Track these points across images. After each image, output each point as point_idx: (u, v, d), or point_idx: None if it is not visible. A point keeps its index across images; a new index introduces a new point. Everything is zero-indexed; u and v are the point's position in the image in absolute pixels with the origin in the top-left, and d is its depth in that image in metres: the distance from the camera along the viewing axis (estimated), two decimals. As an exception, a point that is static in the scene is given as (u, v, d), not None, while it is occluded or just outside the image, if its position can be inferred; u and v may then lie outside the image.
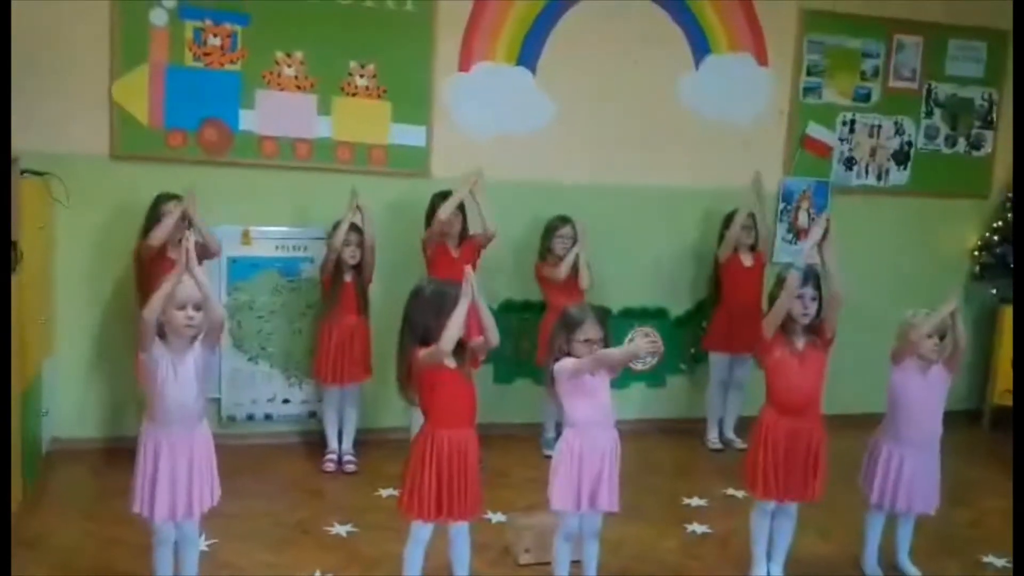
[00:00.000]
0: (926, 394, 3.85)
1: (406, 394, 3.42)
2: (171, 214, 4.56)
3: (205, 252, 4.69)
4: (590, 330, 3.45)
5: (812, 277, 3.67)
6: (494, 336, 3.36)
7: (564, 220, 5.29)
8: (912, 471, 3.86)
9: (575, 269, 5.20)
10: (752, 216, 5.53)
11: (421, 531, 3.45)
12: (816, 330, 3.70)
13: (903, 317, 3.92)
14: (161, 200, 4.66)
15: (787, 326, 3.68)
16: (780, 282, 3.72)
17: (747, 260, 5.55)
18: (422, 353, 3.25)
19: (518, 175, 5.46)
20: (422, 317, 3.30)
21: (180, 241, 4.43)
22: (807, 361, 3.67)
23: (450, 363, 3.30)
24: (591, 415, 3.48)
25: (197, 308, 3.18)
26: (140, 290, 4.59)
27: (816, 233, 3.68)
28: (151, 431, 3.26)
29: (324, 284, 4.98)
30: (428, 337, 3.25)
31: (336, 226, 4.87)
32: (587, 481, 3.45)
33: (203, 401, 3.35)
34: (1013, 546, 3.73)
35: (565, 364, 3.44)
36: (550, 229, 5.30)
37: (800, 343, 3.68)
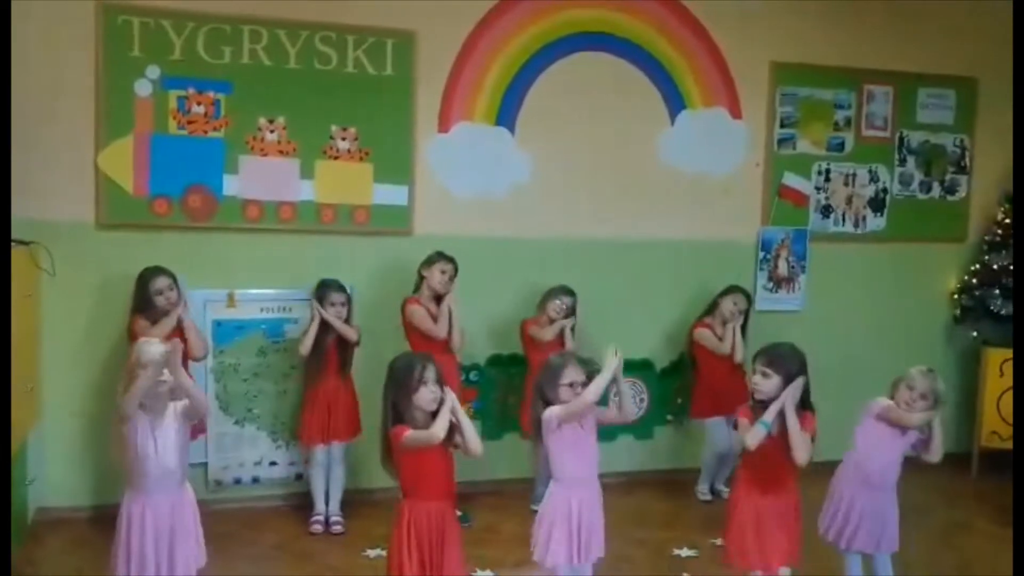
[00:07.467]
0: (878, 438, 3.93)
1: (388, 468, 3.40)
2: (170, 315, 4.62)
3: (186, 356, 4.70)
4: (572, 373, 3.47)
5: (762, 355, 3.63)
6: (475, 447, 3.28)
7: (567, 291, 5.30)
8: (865, 511, 3.91)
9: (562, 336, 5.21)
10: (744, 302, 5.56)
11: None
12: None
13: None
14: (147, 276, 4.68)
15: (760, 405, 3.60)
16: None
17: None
18: (408, 436, 3.21)
19: (500, 232, 5.54)
20: (392, 393, 3.29)
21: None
22: (782, 440, 3.56)
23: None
24: (579, 469, 3.49)
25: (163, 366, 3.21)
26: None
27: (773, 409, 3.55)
28: (135, 500, 3.26)
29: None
30: (397, 413, 3.25)
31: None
32: (582, 534, 3.46)
33: (185, 465, 3.35)
34: (1013, 548, 3.75)
35: (553, 411, 3.45)
36: (551, 293, 5.29)
37: (776, 426, 3.56)
